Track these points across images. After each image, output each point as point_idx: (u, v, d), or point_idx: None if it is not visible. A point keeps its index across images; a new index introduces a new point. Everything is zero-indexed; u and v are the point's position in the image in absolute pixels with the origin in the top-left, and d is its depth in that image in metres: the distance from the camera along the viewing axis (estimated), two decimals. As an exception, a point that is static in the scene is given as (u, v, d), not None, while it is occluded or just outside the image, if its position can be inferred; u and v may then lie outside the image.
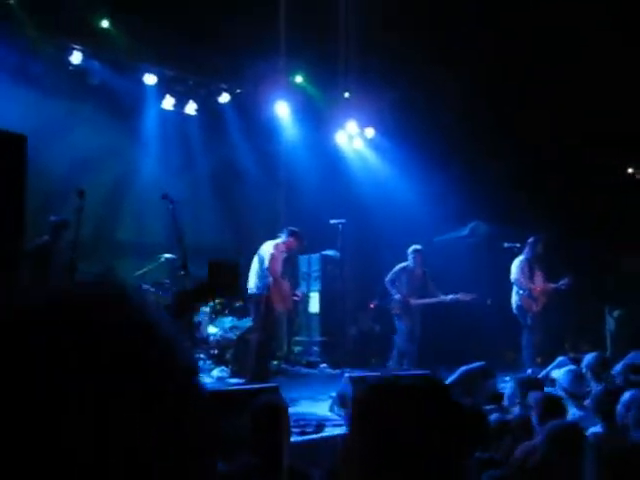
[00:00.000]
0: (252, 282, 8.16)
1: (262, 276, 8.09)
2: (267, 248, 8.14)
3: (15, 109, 8.63)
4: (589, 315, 11.64)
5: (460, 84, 11.23)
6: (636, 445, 3.63)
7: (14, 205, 4.24)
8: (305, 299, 9.85)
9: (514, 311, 9.74)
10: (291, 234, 8.31)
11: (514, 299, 9.73)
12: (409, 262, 9.70)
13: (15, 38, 8.90)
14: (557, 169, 12.40)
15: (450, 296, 9.67)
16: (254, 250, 8.39)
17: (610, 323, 11.26)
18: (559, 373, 6.35)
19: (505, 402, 5.70)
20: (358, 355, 10.57)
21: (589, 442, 3.83)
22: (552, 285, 9.76)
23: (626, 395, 4.35)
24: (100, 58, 9.91)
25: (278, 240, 8.28)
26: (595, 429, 4.55)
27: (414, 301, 9.69)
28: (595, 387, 5.82)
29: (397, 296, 9.64)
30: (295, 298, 8.83)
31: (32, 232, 7.07)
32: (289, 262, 8.71)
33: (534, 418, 4.44)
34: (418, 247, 9.74)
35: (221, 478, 3.08)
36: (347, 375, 6.98)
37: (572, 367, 6.46)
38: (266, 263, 8.03)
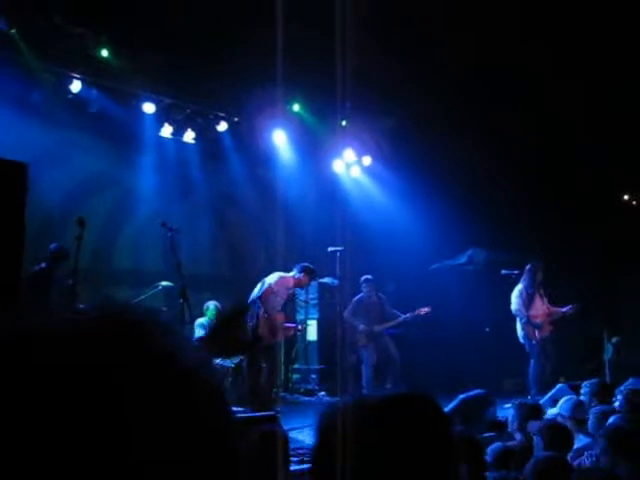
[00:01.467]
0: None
1: (256, 305, 8.06)
2: (271, 278, 8.11)
3: (15, 137, 8.65)
4: (588, 341, 11.62)
5: (457, 112, 11.30)
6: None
7: (14, 232, 4.23)
8: (303, 327, 9.85)
9: (521, 340, 9.73)
10: (303, 270, 8.31)
11: (518, 328, 9.73)
12: (363, 292, 9.99)
13: (15, 67, 8.96)
14: (554, 197, 12.45)
15: (408, 314, 9.93)
16: (251, 278, 8.37)
17: (609, 350, 11.23)
18: (558, 403, 6.33)
19: (509, 428, 5.67)
20: (356, 383, 10.50)
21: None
22: (558, 310, 9.76)
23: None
24: (99, 87, 9.96)
25: (288, 274, 8.25)
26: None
27: (377, 327, 9.90)
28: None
29: (361, 327, 9.87)
30: (297, 331, 8.87)
31: (30, 259, 7.06)
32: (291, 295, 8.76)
33: (537, 445, 4.41)
34: (368, 277, 10.04)
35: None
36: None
37: (571, 396, 6.43)
38: (260, 292, 8.00)
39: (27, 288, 7.19)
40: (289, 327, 8.87)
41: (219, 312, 9.02)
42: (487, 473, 3.97)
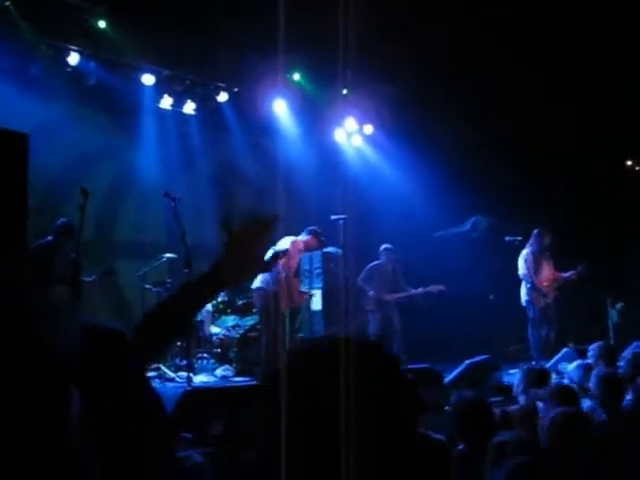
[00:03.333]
0: (260, 276, 8.20)
1: (274, 271, 8.13)
2: (284, 243, 8.17)
3: (14, 110, 8.58)
4: (592, 307, 11.64)
5: (459, 80, 11.20)
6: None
7: (17, 203, 4.22)
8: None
9: (523, 304, 9.75)
10: (311, 233, 8.42)
11: (523, 293, 9.73)
12: (381, 260, 10.05)
13: (12, 40, 8.88)
14: (556, 162, 12.39)
15: (420, 289, 10.01)
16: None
17: (613, 315, 11.25)
18: (568, 367, 6.34)
19: (513, 392, 5.69)
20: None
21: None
22: (563, 275, 9.76)
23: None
24: (97, 59, 9.87)
25: (298, 237, 8.34)
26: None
27: (388, 296, 9.99)
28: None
29: (371, 293, 9.98)
30: (305, 296, 8.92)
31: (33, 231, 7.05)
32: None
33: (541, 408, 4.42)
34: (389, 246, 10.11)
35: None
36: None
37: (581, 361, 6.44)
38: (283, 253, 8.09)
39: (32, 260, 7.21)
40: (303, 292, 8.94)
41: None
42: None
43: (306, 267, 10.98)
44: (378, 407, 1.11)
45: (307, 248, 8.56)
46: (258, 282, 8.25)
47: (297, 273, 8.66)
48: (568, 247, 10.86)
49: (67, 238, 7.49)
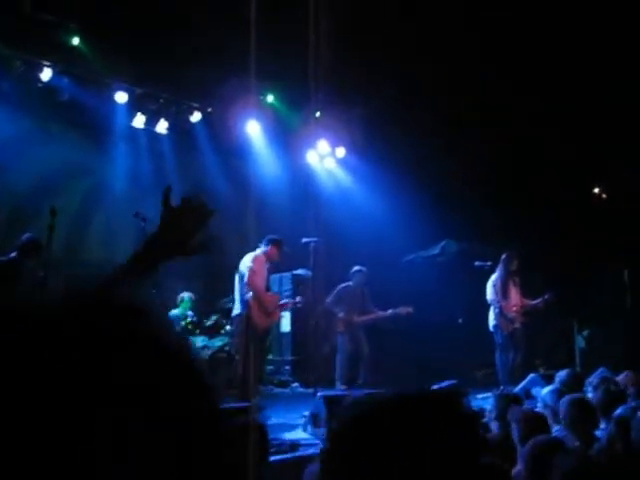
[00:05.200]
0: (236, 302, 8.18)
1: (242, 293, 8.06)
2: (246, 262, 8.07)
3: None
4: (559, 332, 11.75)
5: (429, 102, 11.33)
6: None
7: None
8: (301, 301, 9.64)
9: (490, 329, 9.80)
10: (270, 242, 8.29)
11: (491, 318, 9.78)
12: (352, 282, 10.02)
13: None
14: (525, 188, 12.55)
15: (389, 311, 9.99)
16: (225, 269, 8.34)
17: (580, 341, 11.37)
18: (542, 391, 6.36)
19: (485, 418, 5.69)
20: (330, 374, 10.53)
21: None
22: (530, 302, 9.85)
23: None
24: (70, 75, 9.83)
25: (257, 252, 8.22)
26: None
27: (357, 318, 9.97)
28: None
29: (341, 314, 9.92)
30: (295, 304, 8.82)
31: (1, 249, 6.96)
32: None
33: (515, 435, 4.43)
34: (361, 268, 10.07)
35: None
36: (320, 394, 6.94)
37: (554, 386, 6.46)
38: (245, 278, 7.98)
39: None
40: (284, 304, 8.88)
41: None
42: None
43: (275, 289, 10.97)
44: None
45: (270, 259, 8.39)
46: (236, 309, 8.24)
47: (268, 288, 8.58)
48: (536, 272, 10.98)
49: (32, 254, 7.31)
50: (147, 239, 1.89)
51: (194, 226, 1.87)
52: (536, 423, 4.43)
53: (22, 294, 0.68)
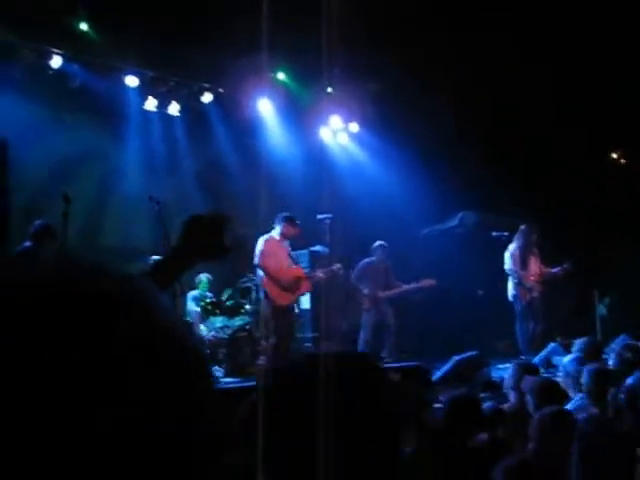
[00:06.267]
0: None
1: (257, 275, 8.23)
2: (258, 246, 8.22)
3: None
4: (579, 301, 11.68)
5: (444, 75, 11.21)
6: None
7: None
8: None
9: (510, 299, 9.78)
10: (284, 220, 8.36)
11: (510, 288, 9.76)
12: (373, 257, 10.01)
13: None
14: (543, 156, 12.41)
15: (413, 284, 10.00)
16: (243, 248, 8.38)
17: (600, 309, 11.30)
18: (564, 359, 6.35)
19: (504, 388, 5.69)
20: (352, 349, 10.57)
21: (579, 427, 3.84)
22: (550, 271, 9.80)
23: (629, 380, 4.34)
24: (80, 61, 9.84)
25: (272, 233, 8.32)
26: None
27: (382, 293, 9.97)
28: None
29: (366, 291, 9.92)
30: (333, 273, 8.77)
31: (17, 237, 7.01)
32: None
33: (530, 405, 4.43)
34: (383, 243, 10.06)
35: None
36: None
37: (577, 354, 6.44)
38: (255, 260, 8.15)
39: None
40: (313, 276, 8.88)
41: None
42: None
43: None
44: (357, 420, 1.13)
45: (286, 237, 8.49)
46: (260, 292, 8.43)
47: (294, 262, 8.61)
48: (556, 240, 10.90)
49: (47, 241, 7.26)
50: (170, 249, 1.98)
51: (215, 235, 1.94)
52: (550, 392, 4.42)
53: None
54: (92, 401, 0.56)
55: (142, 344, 0.61)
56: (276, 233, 8.38)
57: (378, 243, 10.07)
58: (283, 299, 8.31)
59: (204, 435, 0.64)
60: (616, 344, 7.67)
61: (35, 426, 0.54)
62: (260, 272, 8.37)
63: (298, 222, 8.59)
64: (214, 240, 1.92)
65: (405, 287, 10.02)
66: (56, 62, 9.61)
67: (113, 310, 0.61)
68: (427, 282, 9.95)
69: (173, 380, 0.62)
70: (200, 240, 1.92)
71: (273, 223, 8.45)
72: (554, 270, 9.81)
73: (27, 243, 7.37)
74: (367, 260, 10.08)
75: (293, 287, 8.45)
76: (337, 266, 8.89)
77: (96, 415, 0.56)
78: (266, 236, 8.31)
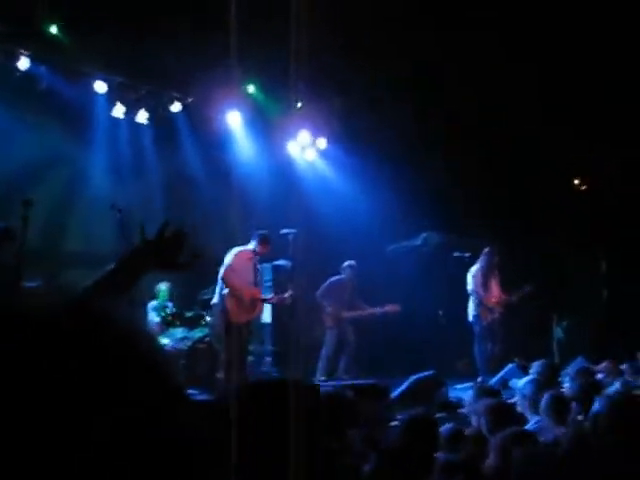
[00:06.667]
0: (216, 292, 8.29)
1: (220, 286, 8.15)
2: (228, 258, 8.17)
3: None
4: (537, 323, 11.83)
5: (410, 93, 11.31)
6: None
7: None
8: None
9: (470, 319, 9.88)
10: (260, 238, 8.37)
11: (471, 308, 9.86)
12: (343, 276, 10.08)
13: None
14: (505, 181, 12.58)
15: (378, 308, 10.04)
16: (206, 259, 8.33)
17: (558, 332, 11.46)
18: (519, 382, 6.41)
19: (464, 410, 5.73)
20: (311, 366, 10.55)
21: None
22: (509, 298, 9.93)
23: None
24: (48, 64, 9.74)
25: (245, 247, 8.30)
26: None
27: (346, 313, 9.99)
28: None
29: (329, 309, 9.96)
30: (281, 301, 8.75)
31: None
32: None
33: (484, 427, 4.46)
34: (352, 263, 10.16)
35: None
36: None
37: (532, 377, 6.52)
38: (220, 272, 8.10)
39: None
40: (270, 299, 8.93)
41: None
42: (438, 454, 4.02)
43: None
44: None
45: (259, 254, 8.49)
46: (215, 298, 8.33)
47: (256, 283, 8.57)
48: (516, 263, 11.04)
49: (6, 244, 7.24)
50: (127, 254, 1.98)
51: (174, 250, 1.96)
52: (505, 414, 4.46)
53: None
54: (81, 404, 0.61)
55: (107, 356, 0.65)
56: (250, 248, 8.35)
57: (347, 263, 10.14)
58: (241, 317, 8.26)
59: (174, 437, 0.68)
60: (572, 367, 7.79)
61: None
62: (220, 283, 8.29)
63: (270, 244, 8.59)
64: (172, 253, 1.92)
65: (369, 310, 10.08)
66: (23, 64, 9.49)
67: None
68: (392, 308, 10.00)
69: (142, 386, 0.66)
70: (159, 250, 1.93)
71: (251, 238, 8.42)
72: (513, 297, 9.93)
73: None
74: (335, 279, 10.11)
75: (251, 306, 8.41)
76: (289, 293, 8.77)
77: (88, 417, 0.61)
78: (239, 249, 8.27)
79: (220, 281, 8.25)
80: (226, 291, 8.12)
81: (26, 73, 9.59)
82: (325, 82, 10.87)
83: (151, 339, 0.73)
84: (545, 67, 10.87)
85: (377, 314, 10.08)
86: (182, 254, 1.94)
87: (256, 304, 8.53)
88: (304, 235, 9.81)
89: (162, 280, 9.88)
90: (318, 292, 9.98)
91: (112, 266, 1.87)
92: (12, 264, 6.75)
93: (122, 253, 1.98)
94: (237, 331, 8.30)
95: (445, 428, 4.65)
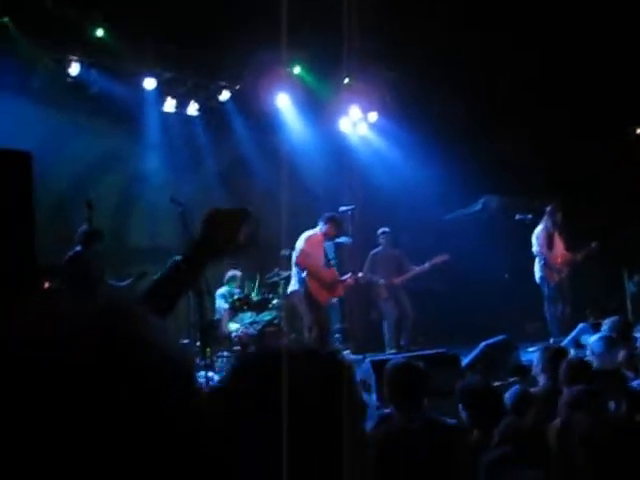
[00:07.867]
0: (292, 279, 8.40)
1: (296, 272, 8.24)
2: (300, 242, 8.26)
3: (17, 124, 8.70)
4: (608, 281, 11.57)
5: (462, 60, 11.14)
6: None
7: (23, 223, 4.27)
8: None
9: (537, 281, 9.73)
10: (328, 221, 8.41)
11: (536, 269, 9.71)
12: (380, 247, 10.03)
13: (12, 56, 8.95)
14: (566, 136, 12.27)
15: (426, 264, 9.89)
16: (268, 244, 8.42)
17: (630, 287, 11.18)
18: (590, 339, 6.30)
19: (532, 372, 5.67)
20: (379, 339, 10.59)
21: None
22: (574, 255, 9.72)
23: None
24: (98, 67, 9.93)
25: (315, 230, 8.35)
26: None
27: (397, 280, 9.93)
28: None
29: (381, 281, 9.88)
30: (349, 281, 8.83)
31: (44, 246, 7.13)
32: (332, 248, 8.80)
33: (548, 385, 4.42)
34: (385, 229, 10.07)
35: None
36: (368, 360, 7.02)
37: (605, 334, 6.39)
38: (294, 258, 8.19)
39: (66, 273, 7.38)
40: (345, 279, 8.87)
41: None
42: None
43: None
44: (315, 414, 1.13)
45: (327, 237, 8.52)
46: (292, 285, 8.43)
47: (328, 261, 8.65)
48: (581, 221, 10.80)
49: (95, 245, 7.69)
50: (192, 243, 1.99)
51: (234, 226, 1.95)
52: (578, 372, 4.41)
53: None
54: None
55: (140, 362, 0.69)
56: (319, 231, 8.41)
57: (380, 230, 10.08)
58: (321, 296, 8.36)
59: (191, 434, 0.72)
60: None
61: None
62: (296, 268, 8.38)
63: (342, 224, 8.64)
64: (229, 234, 1.92)
65: (418, 269, 9.95)
66: (74, 69, 9.71)
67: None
68: (439, 258, 9.82)
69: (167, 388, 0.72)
70: (216, 234, 1.93)
71: (318, 221, 8.51)
72: (580, 254, 9.71)
73: (77, 248, 7.77)
74: (374, 251, 10.05)
75: (332, 286, 8.51)
76: (361, 274, 9.07)
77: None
78: (309, 233, 8.35)
79: (295, 267, 8.34)
80: (304, 274, 8.22)
81: (77, 78, 9.81)
82: (373, 56, 10.78)
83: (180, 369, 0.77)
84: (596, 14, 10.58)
85: (427, 269, 9.93)
86: (239, 233, 1.95)
87: (337, 285, 8.60)
88: (362, 210, 9.82)
89: (232, 268, 10.03)
90: (364, 271, 9.80)
91: (176, 261, 1.92)
92: (101, 264, 7.04)
93: (185, 248, 2.02)
94: (320, 309, 8.43)
95: (512, 391, 4.63)
